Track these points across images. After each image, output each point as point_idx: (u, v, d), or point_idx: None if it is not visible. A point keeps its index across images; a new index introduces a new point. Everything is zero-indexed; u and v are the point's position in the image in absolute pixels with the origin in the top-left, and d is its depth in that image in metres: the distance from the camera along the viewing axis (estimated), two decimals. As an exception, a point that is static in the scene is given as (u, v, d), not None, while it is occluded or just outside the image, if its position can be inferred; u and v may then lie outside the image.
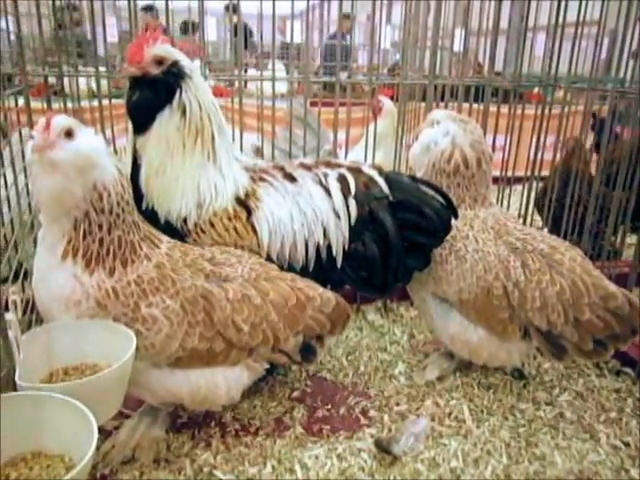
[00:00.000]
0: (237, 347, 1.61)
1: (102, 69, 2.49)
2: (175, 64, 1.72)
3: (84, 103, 2.70)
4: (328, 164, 1.99)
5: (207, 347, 1.56)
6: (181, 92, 1.73)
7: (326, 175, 1.93)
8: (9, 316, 1.35)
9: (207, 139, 1.80)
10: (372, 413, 1.99)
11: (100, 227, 1.49)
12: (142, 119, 1.74)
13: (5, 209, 2.21)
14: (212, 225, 1.82)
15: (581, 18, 2.66)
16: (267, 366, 1.75)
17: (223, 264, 1.66)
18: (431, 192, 1.89)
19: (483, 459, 1.78)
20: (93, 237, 1.49)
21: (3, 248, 2.05)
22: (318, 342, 1.76)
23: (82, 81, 2.76)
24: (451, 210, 1.90)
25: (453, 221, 1.92)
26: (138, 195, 1.76)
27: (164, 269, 1.56)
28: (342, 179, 1.91)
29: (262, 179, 1.95)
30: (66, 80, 2.50)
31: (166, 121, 1.73)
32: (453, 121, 2.05)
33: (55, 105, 2.45)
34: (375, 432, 1.89)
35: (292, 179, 1.95)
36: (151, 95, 1.71)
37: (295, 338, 1.68)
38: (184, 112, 1.74)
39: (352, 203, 1.88)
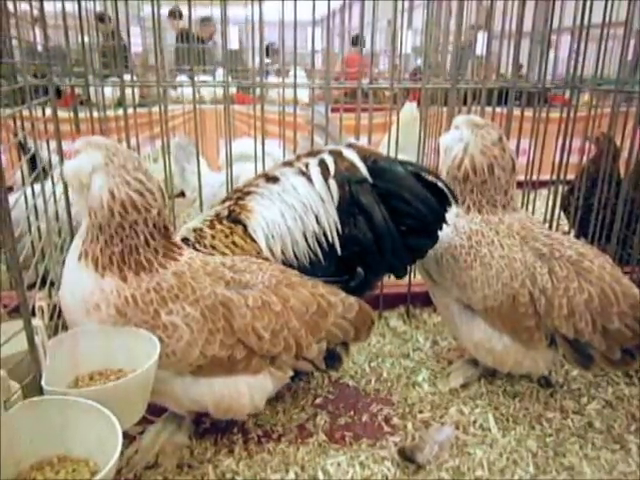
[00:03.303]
0: (258, 355, 1.61)
1: (127, 78, 2.53)
2: None
3: (110, 112, 2.74)
4: (309, 154, 1.99)
5: (228, 354, 1.56)
6: None
7: (307, 164, 1.93)
8: (36, 322, 1.37)
9: None
10: (395, 421, 1.97)
11: (111, 237, 1.53)
12: None
13: (32, 217, 2.26)
14: (214, 247, 1.87)
15: (607, 19, 2.61)
16: (292, 374, 1.74)
17: (244, 271, 1.66)
18: (429, 178, 1.82)
19: (509, 469, 1.75)
20: (101, 245, 1.53)
21: (30, 255, 2.09)
22: (343, 348, 1.74)
23: (108, 90, 2.81)
24: (446, 200, 1.83)
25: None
26: None
27: (183, 277, 1.57)
28: (321, 163, 1.91)
29: (248, 193, 1.99)
30: (92, 89, 2.55)
31: None
32: (468, 127, 2.04)
33: (81, 114, 2.49)
34: (398, 440, 1.87)
35: (274, 180, 1.97)
36: None
37: (318, 345, 1.67)
38: None
39: (332, 184, 1.86)
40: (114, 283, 1.51)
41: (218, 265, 1.66)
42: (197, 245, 1.88)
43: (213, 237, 1.89)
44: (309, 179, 1.90)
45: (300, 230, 1.88)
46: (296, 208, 1.89)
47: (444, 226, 1.88)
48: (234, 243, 1.88)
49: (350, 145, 1.94)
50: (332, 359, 1.73)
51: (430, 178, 1.83)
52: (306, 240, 1.88)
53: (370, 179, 1.83)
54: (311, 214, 1.88)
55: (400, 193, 1.81)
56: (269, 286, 1.65)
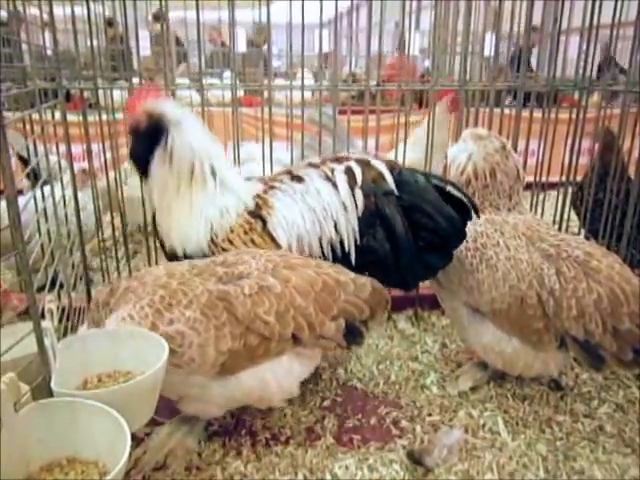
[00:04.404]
0: (273, 338, 1.61)
1: (135, 81, 2.54)
2: (161, 116, 1.83)
3: (118, 115, 2.76)
4: (336, 159, 1.99)
5: (242, 343, 1.57)
6: (167, 139, 1.84)
7: (333, 170, 1.93)
8: (45, 324, 1.37)
9: (201, 176, 1.89)
10: (404, 424, 1.96)
11: None
12: (139, 165, 1.87)
13: (42, 220, 2.27)
14: (231, 242, 1.88)
15: (616, 19, 2.60)
16: (319, 352, 1.73)
17: (235, 264, 1.68)
18: (453, 191, 1.83)
19: (519, 472, 1.73)
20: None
21: (40, 257, 2.11)
22: (362, 325, 1.74)
23: (116, 93, 2.82)
24: (467, 214, 1.84)
25: (483, 228, 1.88)
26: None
27: (170, 286, 1.59)
28: (348, 171, 1.90)
29: (272, 187, 1.99)
30: (101, 93, 2.56)
31: (159, 165, 1.86)
32: (472, 138, 2.09)
33: (90, 118, 2.51)
34: (407, 443, 1.86)
35: (299, 179, 1.98)
36: (141, 144, 1.84)
37: (335, 323, 1.66)
38: (172, 155, 1.85)
39: (358, 194, 1.86)
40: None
41: (208, 264, 1.68)
42: (215, 238, 1.89)
43: (232, 230, 1.89)
44: (334, 185, 1.90)
45: (317, 234, 1.88)
46: (316, 212, 1.90)
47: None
48: (253, 241, 1.89)
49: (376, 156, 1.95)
50: (353, 335, 1.72)
51: (453, 191, 1.83)
52: (321, 245, 1.88)
53: (396, 191, 1.83)
54: (330, 220, 1.88)
55: (422, 207, 1.81)
56: (265, 271, 1.65)
